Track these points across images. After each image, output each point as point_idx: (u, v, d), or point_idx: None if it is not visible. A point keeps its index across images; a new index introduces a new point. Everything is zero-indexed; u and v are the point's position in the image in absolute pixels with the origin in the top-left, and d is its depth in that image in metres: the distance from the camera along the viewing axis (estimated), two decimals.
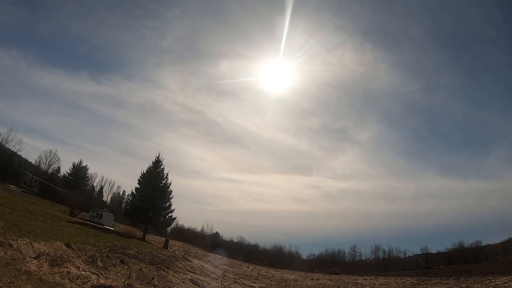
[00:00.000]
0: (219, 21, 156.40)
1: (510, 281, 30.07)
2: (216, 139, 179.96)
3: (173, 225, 61.91)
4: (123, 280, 12.84)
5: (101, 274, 12.65)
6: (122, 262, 17.13)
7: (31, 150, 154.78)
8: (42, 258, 11.00)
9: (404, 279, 46.84)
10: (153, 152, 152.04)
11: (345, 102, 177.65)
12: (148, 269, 18.47)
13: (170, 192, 44.80)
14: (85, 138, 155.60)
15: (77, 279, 10.48)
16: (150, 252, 26.40)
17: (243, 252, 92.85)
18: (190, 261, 30.50)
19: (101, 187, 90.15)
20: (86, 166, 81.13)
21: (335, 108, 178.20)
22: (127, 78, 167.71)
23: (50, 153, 78.71)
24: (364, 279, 51.44)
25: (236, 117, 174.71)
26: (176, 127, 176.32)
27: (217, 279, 25.16)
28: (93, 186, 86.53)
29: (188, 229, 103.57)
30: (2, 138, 60.85)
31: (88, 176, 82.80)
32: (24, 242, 11.84)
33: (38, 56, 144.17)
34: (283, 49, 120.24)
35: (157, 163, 44.67)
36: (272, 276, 46.31)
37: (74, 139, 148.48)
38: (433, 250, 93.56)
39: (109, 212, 55.71)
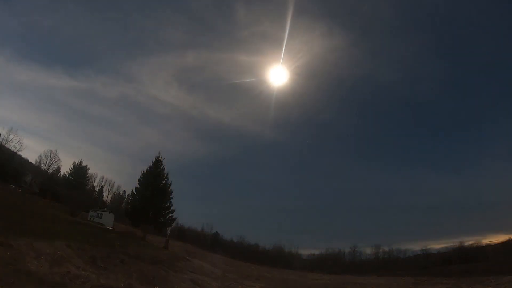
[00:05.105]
0: (178, 9, 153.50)
1: (510, 282, 30.06)
2: (196, 134, 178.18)
3: (173, 225, 61.87)
4: (123, 280, 12.86)
5: (101, 274, 12.66)
6: (122, 262, 17.14)
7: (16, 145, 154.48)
8: (42, 258, 11.01)
9: (404, 279, 46.82)
10: (135, 148, 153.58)
11: (322, 93, 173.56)
12: (148, 269, 18.48)
13: (171, 192, 44.86)
14: (71, 135, 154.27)
15: (77, 279, 10.49)
16: (150, 252, 26.42)
17: (243, 252, 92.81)
18: (190, 261, 30.54)
19: (101, 187, 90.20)
20: (86, 166, 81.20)
21: (314, 100, 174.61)
22: (100, 72, 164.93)
23: (50, 153, 78.82)
24: (364, 279, 51.43)
25: (212, 110, 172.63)
26: (153, 122, 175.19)
27: (217, 279, 25.18)
28: (93, 186, 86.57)
29: (188, 229, 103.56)
30: (2, 138, 60.90)
31: (88, 176, 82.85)
32: (24, 242, 11.85)
33: (15, 51, 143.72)
34: (245, 37, 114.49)
35: (157, 163, 44.73)
36: (272, 276, 46.31)
37: (60, 136, 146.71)
38: (433, 250, 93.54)
39: (109, 212, 55.77)
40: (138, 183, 44.11)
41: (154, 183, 43.40)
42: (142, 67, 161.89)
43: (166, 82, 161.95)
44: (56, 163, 79.13)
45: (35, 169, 76.82)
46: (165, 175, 44.56)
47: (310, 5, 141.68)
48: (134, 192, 44.77)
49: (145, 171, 44.46)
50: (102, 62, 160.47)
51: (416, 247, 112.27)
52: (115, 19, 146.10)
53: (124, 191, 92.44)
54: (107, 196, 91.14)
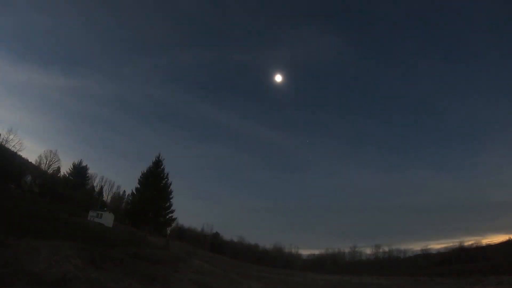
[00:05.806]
0: (174, 8, 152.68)
1: (510, 281, 30.07)
2: (195, 134, 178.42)
3: (173, 225, 61.89)
4: (123, 280, 12.85)
5: (101, 274, 12.66)
6: (122, 262, 17.14)
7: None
8: (42, 258, 11.00)
9: (404, 279, 46.81)
10: (135, 148, 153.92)
11: (321, 92, 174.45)
12: (148, 269, 18.46)
13: (171, 192, 44.90)
14: (70, 135, 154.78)
15: (77, 279, 10.49)
16: (150, 252, 26.41)
17: (243, 252, 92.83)
18: (190, 261, 30.51)
19: (101, 187, 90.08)
20: (86, 166, 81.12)
21: (311, 99, 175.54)
22: (96, 71, 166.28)
23: (50, 153, 78.68)
24: (365, 279, 51.41)
25: (211, 110, 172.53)
26: (151, 121, 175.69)
27: (217, 279, 25.16)
28: (93, 186, 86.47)
29: (188, 229, 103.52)
30: (2, 139, 60.82)
31: (88, 176, 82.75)
32: (24, 242, 11.85)
33: (12, 51, 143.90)
34: (242, 36, 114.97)
35: (158, 163, 44.79)
36: (272, 276, 46.29)
37: (59, 136, 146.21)
38: (433, 250, 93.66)
39: (109, 212, 55.68)
40: (138, 183, 44.20)
41: (154, 183, 43.46)
42: (138, 66, 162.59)
43: (163, 81, 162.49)
44: (56, 163, 78.96)
45: (35, 169, 76.80)
46: (165, 175, 44.65)
47: (308, 5, 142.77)
48: (134, 192, 44.87)
49: (145, 171, 44.54)
50: (98, 62, 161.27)
51: (416, 247, 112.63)
52: (110, 19, 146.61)
53: (124, 191, 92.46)
54: (107, 196, 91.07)
